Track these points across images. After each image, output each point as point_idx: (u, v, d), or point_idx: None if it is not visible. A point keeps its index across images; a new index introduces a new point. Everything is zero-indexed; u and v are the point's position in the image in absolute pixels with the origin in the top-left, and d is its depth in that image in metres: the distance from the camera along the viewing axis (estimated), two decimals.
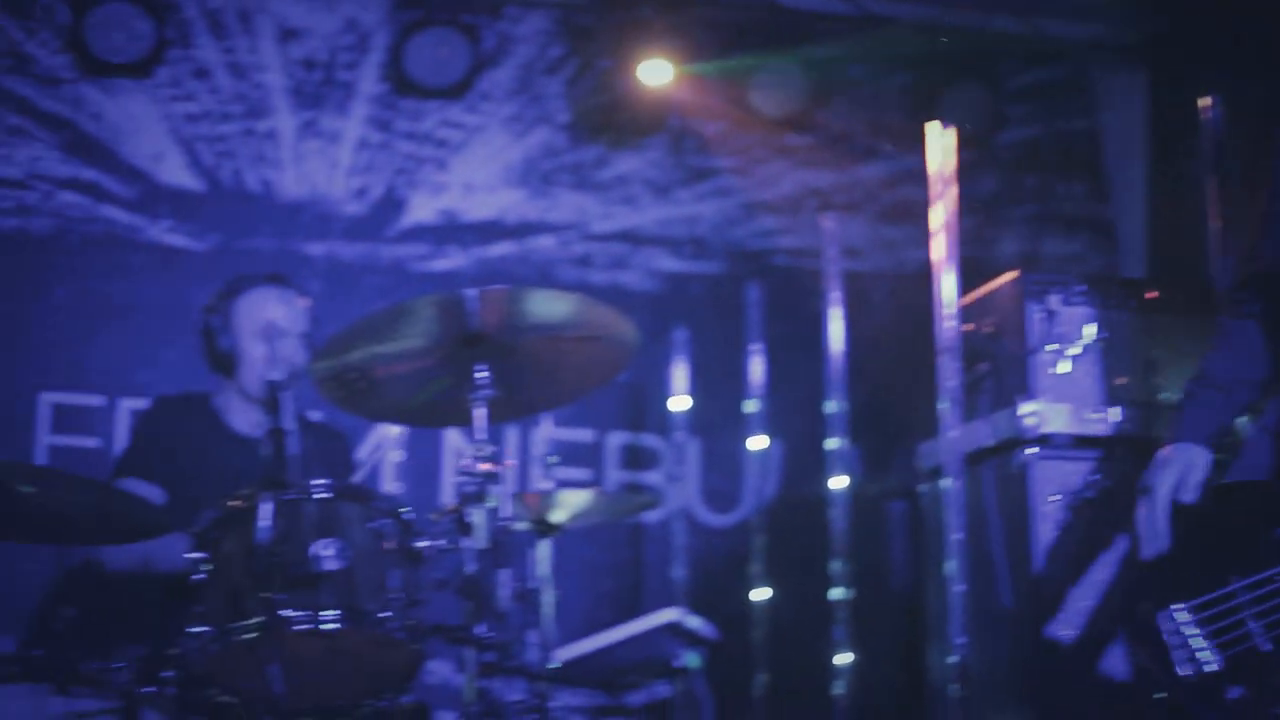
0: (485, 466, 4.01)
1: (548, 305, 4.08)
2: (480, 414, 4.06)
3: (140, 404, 6.57)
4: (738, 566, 6.94)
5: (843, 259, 6.34)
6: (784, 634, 6.66)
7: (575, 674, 5.02)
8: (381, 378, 4.18)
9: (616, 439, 7.25)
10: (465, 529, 3.98)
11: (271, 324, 5.17)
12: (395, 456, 6.78)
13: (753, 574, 6.74)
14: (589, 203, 7.30)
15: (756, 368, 6.76)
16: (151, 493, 4.90)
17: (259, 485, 3.69)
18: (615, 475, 7.22)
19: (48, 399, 6.68)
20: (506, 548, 3.98)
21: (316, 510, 3.89)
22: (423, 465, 6.93)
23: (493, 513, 3.99)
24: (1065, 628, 5.00)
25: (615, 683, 5.14)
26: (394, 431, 6.56)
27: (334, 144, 7.05)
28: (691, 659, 5.17)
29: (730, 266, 7.39)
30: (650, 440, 7.26)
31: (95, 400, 6.72)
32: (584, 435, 7.15)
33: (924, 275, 5.44)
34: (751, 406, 6.84)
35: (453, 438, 6.95)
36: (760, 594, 6.63)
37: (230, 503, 3.95)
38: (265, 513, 3.65)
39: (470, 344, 4.06)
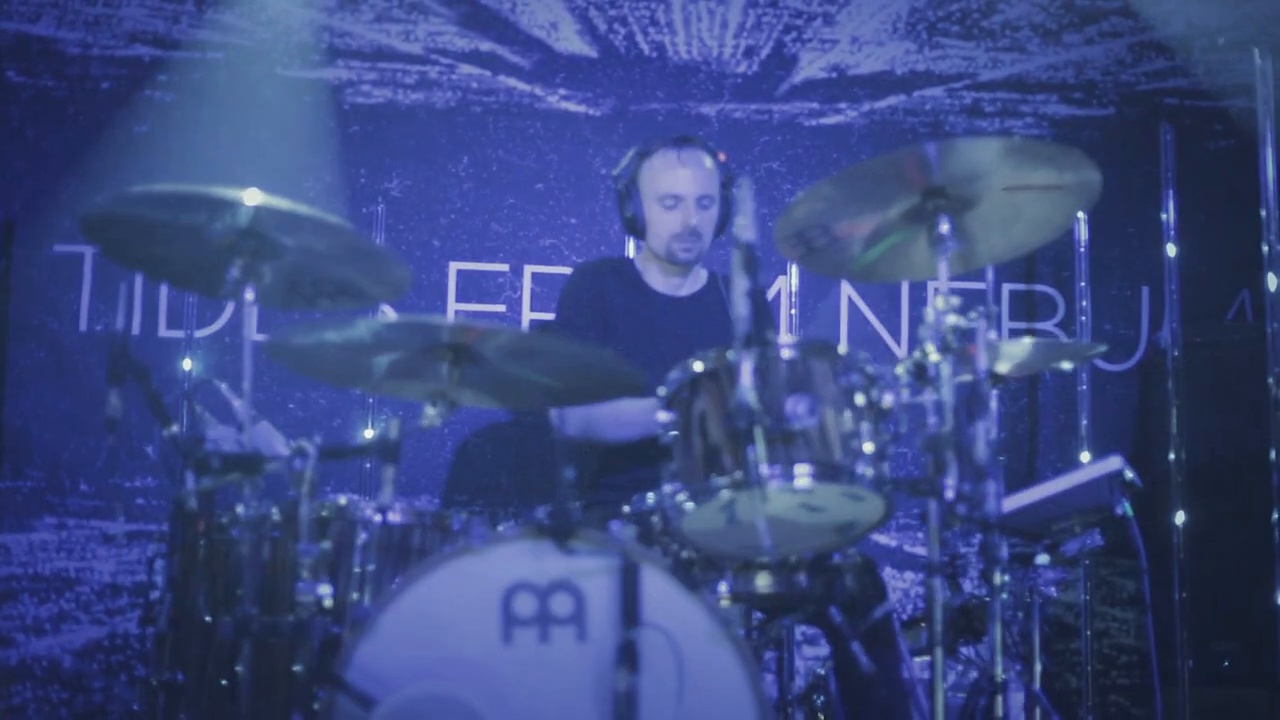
0: (949, 320, 4.00)
1: (1007, 155, 4.03)
2: (943, 267, 4.05)
3: (544, 270, 6.75)
4: (1137, 412, 6.88)
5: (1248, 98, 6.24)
6: (1195, 477, 6.62)
7: (1015, 523, 5.03)
8: (841, 235, 4.20)
9: (1009, 288, 7.18)
10: (927, 382, 4.00)
11: (668, 191, 5.26)
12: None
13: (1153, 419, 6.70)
14: (977, 51, 7.19)
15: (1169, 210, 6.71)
16: None
17: (741, 344, 3.72)
18: (1008, 325, 7.15)
19: (455, 267, 6.87)
20: (982, 400, 3.97)
21: (786, 367, 3.95)
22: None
23: (958, 365, 4.00)
24: None
25: (1051, 531, 5.13)
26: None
27: (723, 4, 7.04)
28: (1127, 506, 5.12)
29: (1121, 110, 7.22)
30: (1044, 289, 7.17)
31: (500, 267, 6.88)
32: (975, 284, 7.09)
33: None
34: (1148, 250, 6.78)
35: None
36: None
37: (697, 363, 4.03)
38: (747, 371, 3.69)
39: (931, 197, 4.05)
